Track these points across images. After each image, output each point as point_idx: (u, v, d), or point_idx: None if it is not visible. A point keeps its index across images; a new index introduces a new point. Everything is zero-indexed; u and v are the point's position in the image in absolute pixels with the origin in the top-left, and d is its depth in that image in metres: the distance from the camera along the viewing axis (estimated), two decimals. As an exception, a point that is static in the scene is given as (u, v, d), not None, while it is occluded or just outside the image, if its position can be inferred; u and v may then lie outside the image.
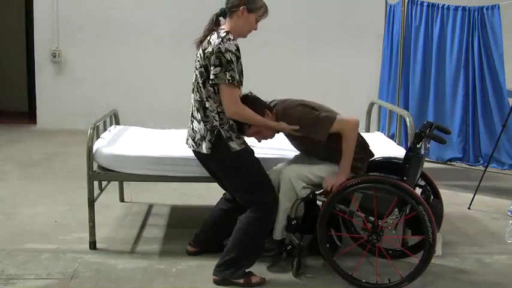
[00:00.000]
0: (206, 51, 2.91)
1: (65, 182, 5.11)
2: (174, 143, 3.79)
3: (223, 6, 3.03)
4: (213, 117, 2.96)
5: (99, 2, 7.82)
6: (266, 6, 3.05)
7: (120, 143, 3.75)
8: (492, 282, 3.23)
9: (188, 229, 3.93)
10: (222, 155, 2.99)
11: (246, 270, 3.06)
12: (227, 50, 2.85)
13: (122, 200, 4.53)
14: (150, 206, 4.45)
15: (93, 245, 3.49)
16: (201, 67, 2.95)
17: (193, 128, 3.06)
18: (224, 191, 3.40)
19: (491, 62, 5.48)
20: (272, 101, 3.25)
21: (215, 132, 2.95)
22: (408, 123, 3.78)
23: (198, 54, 2.99)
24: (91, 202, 3.46)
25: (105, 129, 4.09)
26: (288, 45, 7.89)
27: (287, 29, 7.83)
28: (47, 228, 3.86)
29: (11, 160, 5.94)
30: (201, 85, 2.96)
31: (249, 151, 3.08)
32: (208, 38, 2.95)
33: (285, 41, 7.84)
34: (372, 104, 4.77)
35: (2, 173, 5.38)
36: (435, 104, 5.71)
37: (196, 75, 3.01)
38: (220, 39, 2.87)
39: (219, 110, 2.95)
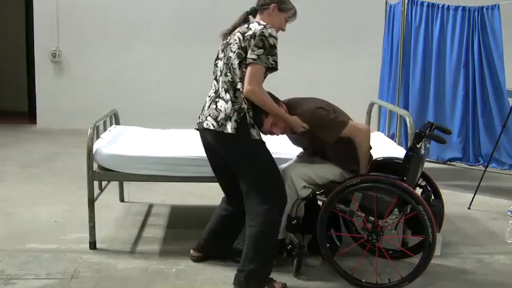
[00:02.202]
0: (246, 35, 2.92)
1: (65, 182, 5.11)
2: (174, 143, 3.79)
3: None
4: (243, 98, 2.93)
5: (99, 2, 7.82)
6: (295, 10, 3.12)
7: (120, 143, 3.75)
8: (492, 282, 3.23)
9: (188, 229, 3.94)
10: (243, 139, 2.92)
11: (269, 277, 2.99)
12: (270, 35, 2.89)
13: (122, 200, 4.53)
14: (150, 206, 4.45)
15: (93, 245, 3.49)
16: (239, 48, 2.93)
17: (216, 107, 2.96)
18: (224, 194, 3.32)
19: (491, 62, 5.48)
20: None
21: (241, 114, 2.91)
22: (408, 123, 3.78)
23: (236, 38, 2.96)
24: (91, 202, 3.46)
25: (105, 129, 4.09)
26: (287, 45, 7.82)
27: (287, 29, 7.81)
28: (47, 228, 3.86)
29: (11, 160, 5.94)
30: (236, 66, 2.93)
31: (265, 146, 3.02)
32: (247, 25, 2.97)
33: (284, 41, 7.79)
34: (372, 104, 4.77)
35: (2, 173, 5.38)
36: (435, 104, 5.70)
37: (229, 57, 2.97)
38: (262, 26, 2.92)
39: None
